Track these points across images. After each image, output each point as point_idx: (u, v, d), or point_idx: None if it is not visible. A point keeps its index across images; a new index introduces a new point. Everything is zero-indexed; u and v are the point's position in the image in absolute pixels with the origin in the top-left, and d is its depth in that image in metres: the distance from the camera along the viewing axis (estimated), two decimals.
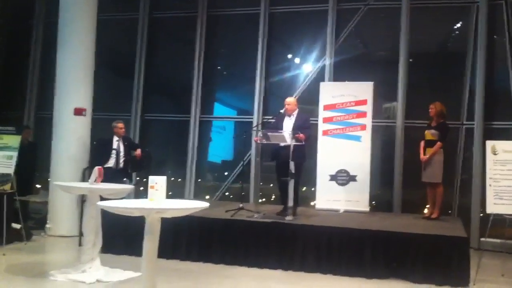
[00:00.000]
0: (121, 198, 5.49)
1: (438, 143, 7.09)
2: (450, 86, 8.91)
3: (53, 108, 8.28)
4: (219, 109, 10.69)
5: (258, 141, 6.94)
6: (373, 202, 8.50)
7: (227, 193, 9.61)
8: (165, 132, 10.72)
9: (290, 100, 7.12)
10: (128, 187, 6.15)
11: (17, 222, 7.33)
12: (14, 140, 7.32)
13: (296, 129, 6.76)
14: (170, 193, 5.91)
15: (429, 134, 7.20)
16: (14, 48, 11.16)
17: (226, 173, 9.83)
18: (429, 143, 7.16)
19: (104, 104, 9.52)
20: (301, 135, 6.58)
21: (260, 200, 9.26)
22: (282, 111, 7.07)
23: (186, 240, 6.58)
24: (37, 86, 10.87)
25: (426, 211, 7.61)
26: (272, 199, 9.03)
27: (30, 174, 9.21)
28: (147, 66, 10.24)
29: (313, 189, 8.37)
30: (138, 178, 9.42)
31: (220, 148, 10.60)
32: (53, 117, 8.26)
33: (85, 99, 8.25)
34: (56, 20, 8.41)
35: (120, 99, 10.41)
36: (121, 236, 6.64)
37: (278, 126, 7.01)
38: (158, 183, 4.17)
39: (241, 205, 7.07)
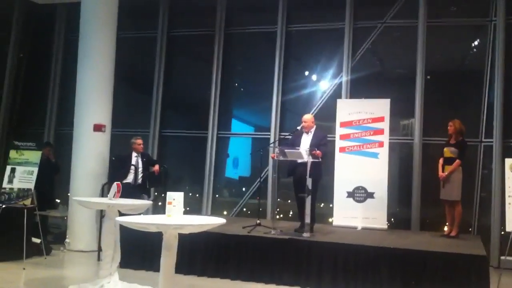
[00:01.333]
0: (139, 214, 5.54)
1: (457, 160, 7.05)
2: (468, 103, 8.85)
3: (73, 125, 8.41)
4: (236, 125, 10.73)
5: (275, 158, 6.95)
6: (392, 219, 8.44)
7: (244, 209, 9.62)
8: (183, 148, 10.77)
9: (307, 118, 7.15)
10: (146, 202, 6.19)
11: (37, 236, 7.42)
12: (35, 156, 7.44)
13: (313, 146, 6.77)
14: (188, 208, 5.95)
15: (448, 151, 7.16)
16: (34, 65, 11.35)
17: (243, 189, 9.85)
18: (448, 161, 7.12)
19: (123, 120, 9.65)
20: (318, 151, 6.58)
21: (277, 217, 9.23)
22: (299, 128, 7.11)
23: (203, 256, 6.59)
24: (57, 103, 11.03)
25: (445, 228, 7.54)
26: (290, 215, 9.00)
27: (50, 189, 9.32)
28: (165, 83, 10.36)
29: (330, 205, 8.35)
30: (156, 194, 9.48)
31: (238, 163, 10.62)
32: (73, 133, 8.38)
33: (105, 116, 8.38)
34: (76, 38, 8.58)
35: (138, 115, 10.51)
36: (139, 252, 6.70)
37: (295, 143, 7.03)
38: (175, 199, 4.22)
39: (258, 221, 7.07)
